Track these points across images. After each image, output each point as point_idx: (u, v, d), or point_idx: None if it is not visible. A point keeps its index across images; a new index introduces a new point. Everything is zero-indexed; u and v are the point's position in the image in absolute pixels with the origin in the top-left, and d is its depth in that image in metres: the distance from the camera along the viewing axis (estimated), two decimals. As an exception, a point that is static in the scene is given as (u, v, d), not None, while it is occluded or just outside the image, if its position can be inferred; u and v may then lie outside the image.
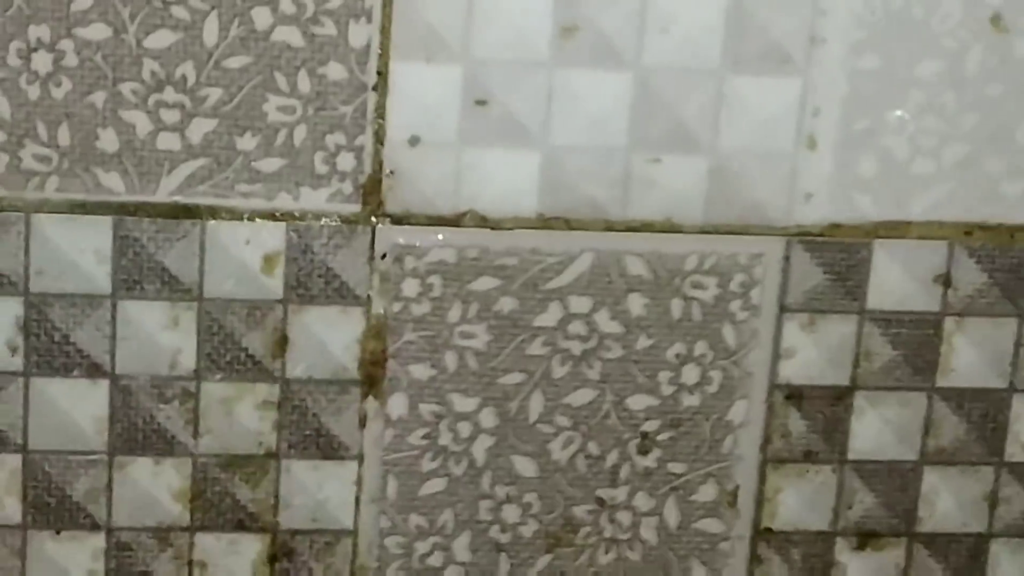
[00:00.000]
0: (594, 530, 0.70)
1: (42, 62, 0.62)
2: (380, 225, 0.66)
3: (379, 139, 0.65)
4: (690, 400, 0.69)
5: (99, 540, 0.68)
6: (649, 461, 0.70)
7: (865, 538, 0.72)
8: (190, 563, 0.68)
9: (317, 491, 0.68)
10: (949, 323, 0.70)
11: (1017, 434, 0.71)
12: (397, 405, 0.68)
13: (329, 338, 0.66)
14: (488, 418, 0.68)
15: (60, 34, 0.62)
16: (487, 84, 0.64)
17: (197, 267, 0.65)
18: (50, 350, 0.65)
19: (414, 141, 0.65)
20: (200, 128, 0.63)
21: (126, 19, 0.62)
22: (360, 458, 0.68)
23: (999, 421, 0.71)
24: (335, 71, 0.63)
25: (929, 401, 0.70)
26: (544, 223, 0.66)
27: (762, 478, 0.71)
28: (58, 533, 0.67)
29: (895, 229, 0.68)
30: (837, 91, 0.66)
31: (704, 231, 0.67)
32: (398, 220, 0.66)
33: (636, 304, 0.68)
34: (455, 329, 0.67)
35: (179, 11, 0.62)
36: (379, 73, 0.64)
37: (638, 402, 0.69)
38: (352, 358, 0.67)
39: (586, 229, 0.67)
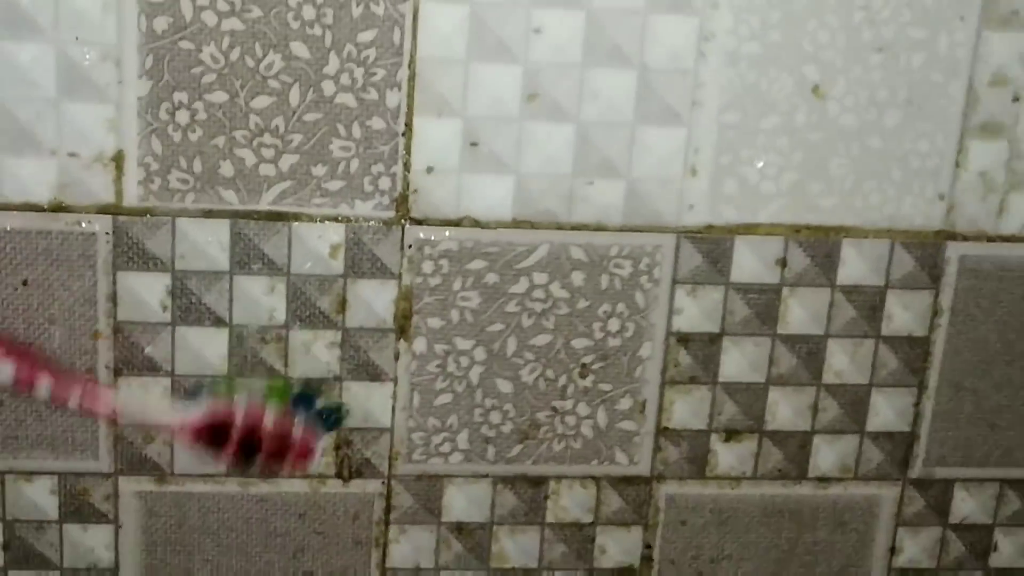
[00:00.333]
0: (550, 428, 0.70)
1: (182, 117, 0.62)
2: (407, 226, 0.66)
3: (407, 168, 0.65)
4: (614, 342, 0.69)
5: (222, 434, 0.68)
6: (587, 382, 0.70)
7: (730, 434, 0.72)
8: (282, 450, 0.69)
9: (366, 401, 0.68)
10: (785, 291, 0.70)
11: (831, 365, 0.71)
12: (419, 345, 0.68)
13: (374, 300, 0.67)
14: (479, 354, 0.68)
15: (194, 98, 0.62)
16: (478, 132, 0.65)
17: (286, 253, 0.65)
18: (188, 308, 0.65)
19: (430, 170, 0.65)
20: (288, 161, 0.64)
21: (238, 88, 0.63)
22: (395, 380, 0.68)
23: (818, 356, 0.71)
24: (377, 123, 0.64)
25: (772, 343, 0.70)
26: (516, 224, 0.67)
27: (662, 394, 0.70)
28: (194, 430, 0.68)
29: (749, 229, 0.68)
30: (710, 137, 0.66)
31: (622, 230, 0.67)
32: (419, 222, 0.66)
33: (578, 278, 0.68)
34: (457, 295, 0.67)
35: (273, 83, 0.63)
36: (406, 125, 0.64)
37: (579, 343, 0.69)
38: (389, 314, 0.67)
39: (544, 228, 0.67)
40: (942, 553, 0.76)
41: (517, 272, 0.67)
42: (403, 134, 0.64)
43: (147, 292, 0.65)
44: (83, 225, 0.64)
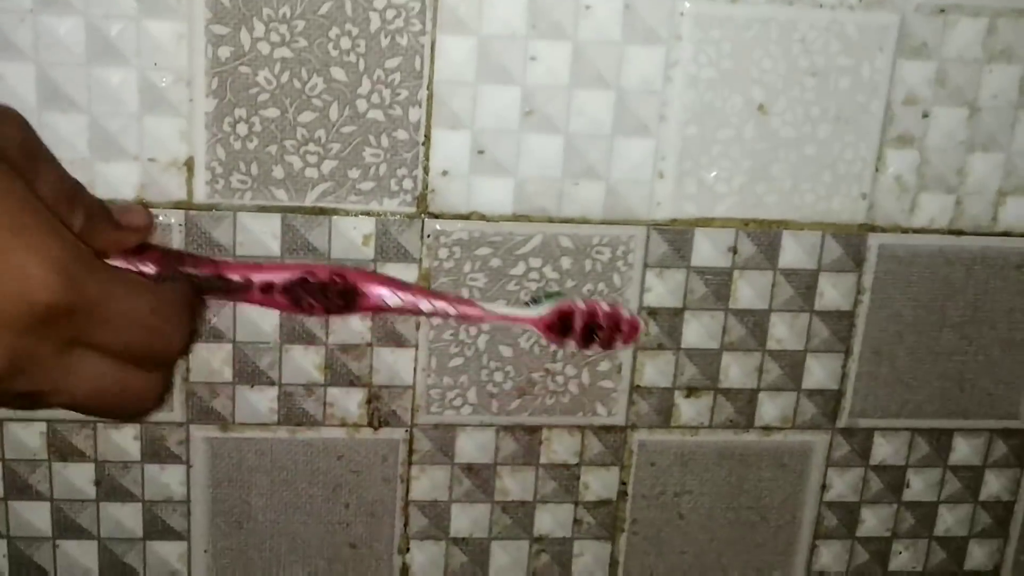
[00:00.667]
0: (543, 386, 0.71)
1: (242, 129, 0.63)
2: (426, 219, 0.66)
3: (426, 172, 0.65)
4: (595, 315, 0.70)
5: (274, 391, 0.68)
6: (573, 349, 0.70)
7: (690, 391, 0.72)
8: (324, 403, 0.69)
9: (393, 364, 0.69)
10: (736, 273, 0.70)
11: (773, 334, 0.71)
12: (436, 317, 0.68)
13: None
14: (485, 324, 0.69)
15: (251, 113, 0.63)
16: (484, 142, 0.65)
17: (327, 241, 0.65)
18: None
19: (445, 173, 0.65)
20: (328, 166, 0.64)
21: (287, 105, 0.63)
22: (416, 346, 0.68)
23: (762, 327, 0.71)
24: (401, 135, 0.64)
25: (725, 316, 0.71)
26: (515, 218, 0.67)
27: (635, 358, 0.71)
28: (252, 387, 0.68)
29: (706, 222, 0.68)
30: (674, 147, 0.66)
31: (603, 223, 0.67)
32: (436, 216, 0.66)
33: (566, 262, 0.68)
34: (467, 276, 0.67)
35: (316, 101, 0.63)
36: (426, 136, 0.64)
37: (567, 316, 0.70)
38: (411, 291, 0.68)
39: (538, 221, 0.67)
40: (864, 489, 0.77)
41: (516, 257, 0.67)
42: (423, 143, 0.64)
43: (213, 273, 0.65)
44: (160, 218, 0.64)
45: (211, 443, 0.69)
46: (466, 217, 0.66)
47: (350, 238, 0.66)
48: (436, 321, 0.68)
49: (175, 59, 0.61)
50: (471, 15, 0.62)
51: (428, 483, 0.72)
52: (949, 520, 0.79)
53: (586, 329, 0.40)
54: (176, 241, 0.64)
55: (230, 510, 0.70)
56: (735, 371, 0.72)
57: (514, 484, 0.72)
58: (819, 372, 0.73)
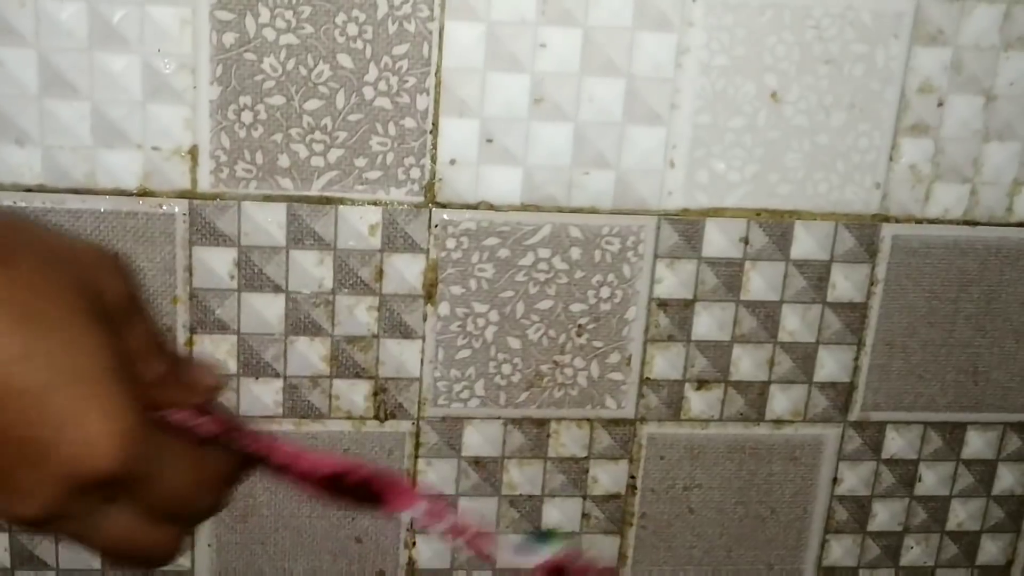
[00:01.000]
0: (552, 379, 0.70)
1: (247, 116, 0.62)
2: (434, 209, 0.65)
3: (433, 161, 0.64)
4: (605, 306, 0.69)
5: (280, 383, 0.67)
6: (582, 340, 0.69)
7: (701, 383, 0.72)
8: (330, 396, 0.68)
9: (399, 356, 0.68)
10: (747, 264, 0.69)
11: (784, 326, 0.71)
12: (443, 309, 0.67)
13: (406, 271, 0.66)
14: (493, 316, 0.68)
15: (256, 101, 0.62)
16: (492, 130, 0.64)
17: (333, 231, 0.65)
18: (251, 277, 0.65)
19: (452, 162, 0.65)
20: (335, 154, 0.64)
21: (293, 92, 0.62)
22: (423, 338, 0.68)
23: (774, 319, 0.71)
24: (409, 123, 0.64)
25: (736, 307, 0.70)
26: (524, 208, 0.66)
27: (644, 350, 0.70)
28: (257, 379, 0.67)
29: (718, 212, 0.68)
30: (686, 135, 0.66)
31: (613, 212, 0.67)
32: (444, 206, 0.65)
33: (575, 253, 0.67)
34: (475, 266, 0.67)
35: (322, 88, 0.62)
36: (433, 124, 0.64)
37: (576, 307, 0.69)
38: (418, 282, 0.67)
39: (547, 211, 0.66)
40: (875, 483, 0.76)
41: (525, 248, 0.67)
42: (430, 132, 0.64)
43: (217, 264, 0.65)
44: (164, 207, 0.63)
45: (215, 436, 0.68)
46: (474, 207, 0.66)
47: (356, 228, 0.65)
48: (443, 311, 0.67)
49: (179, 45, 0.60)
50: (480, 1, 0.62)
51: (435, 477, 0.71)
52: (962, 514, 0.78)
53: None
54: (180, 232, 0.64)
55: (235, 504, 0.70)
56: (746, 363, 0.71)
57: (522, 478, 0.72)
58: (831, 364, 0.72)
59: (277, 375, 0.67)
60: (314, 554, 0.72)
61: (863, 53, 0.66)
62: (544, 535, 0.42)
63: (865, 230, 0.69)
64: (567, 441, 0.71)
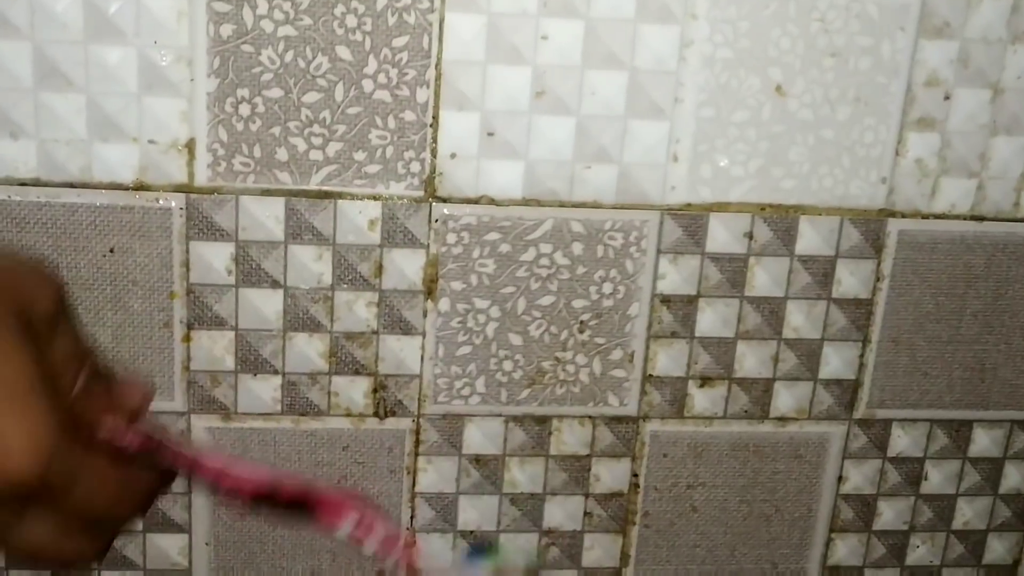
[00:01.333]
0: (554, 375, 0.70)
1: (244, 109, 0.62)
2: (434, 203, 0.65)
3: (434, 155, 0.64)
4: (607, 302, 0.68)
5: (278, 380, 0.67)
6: (585, 336, 0.69)
7: (704, 380, 0.71)
8: (329, 392, 0.68)
9: (399, 352, 0.68)
10: (751, 260, 0.69)
11: (789, 322, 0.70)
12: (444, 304, 0.67)
13: (406, 267, 0.66)
14: (494, 312, 0.68)
15: (254, 93, 0.62)
16: (494, 124, 0.64)
17: (332, 226, 0.64)
18: (249, 272, 0.65)
19: (453, 156, 0.64)
20: (333, 148, 0.63)
21: (291, 85, 0.62)
22: (423, 334, 0.67)
23: (779, 315, 0.70)
24: (409, 116, 0.63)
25: (740, 304, 0.70)
26: (525, 202, 0.66)
27: (647, 347, 0.70)
28: (255, 376, 0.67)
29: (721, 207, 0.67)
30: (689, 129, 0.65)
31: (615, 207, 0.66)
32: (444, 200, 0.65)
33: (577, 248, 0.67)
34: (476, 261, 0.66)
35: (321, 81, 0.62)
36: (434, 117, 0.63)
37: (578, 303, 0.68)
38: (418, 278, 0.66)
39: (549, 206, 0.66)
40: (881, 481, 0.76)
41: (526, 243, 0.66)
42: (431, 125, 0.63)
43: (215, 259, 0.64)
44: (160, 202, 0.63)
45: (213, 433, 0.68)
46: (475, 201, 0.65)
47: (356, 223, 0.65)
48: (443, 307, 0.67)
49: (176, 37, 0.60)
50: (481, -8, 0.61)
51: (435, 475, 0.71)
52: (968, 513, 0.78)
53: None
54: (177, 226, 0.63)
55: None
56: (750, 360, 0.71)
57: (523, 476, 0.71)
58: (836, 361, 0.72)
59: (275, 372, 0.67)
60: (313, 553, 0.71)
61: (869, 46, 0.65)
62: (484, 548, 0.41)
63: (871, 225, 0.69)
64: (569, 439, 0.71)
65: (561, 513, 0.72)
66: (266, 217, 0.64)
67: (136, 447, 0.33)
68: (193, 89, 0.61)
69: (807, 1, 0.64)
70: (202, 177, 0.62)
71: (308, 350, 0.66)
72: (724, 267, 0.68)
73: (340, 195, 0.64)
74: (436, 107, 0.63)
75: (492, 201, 0.65)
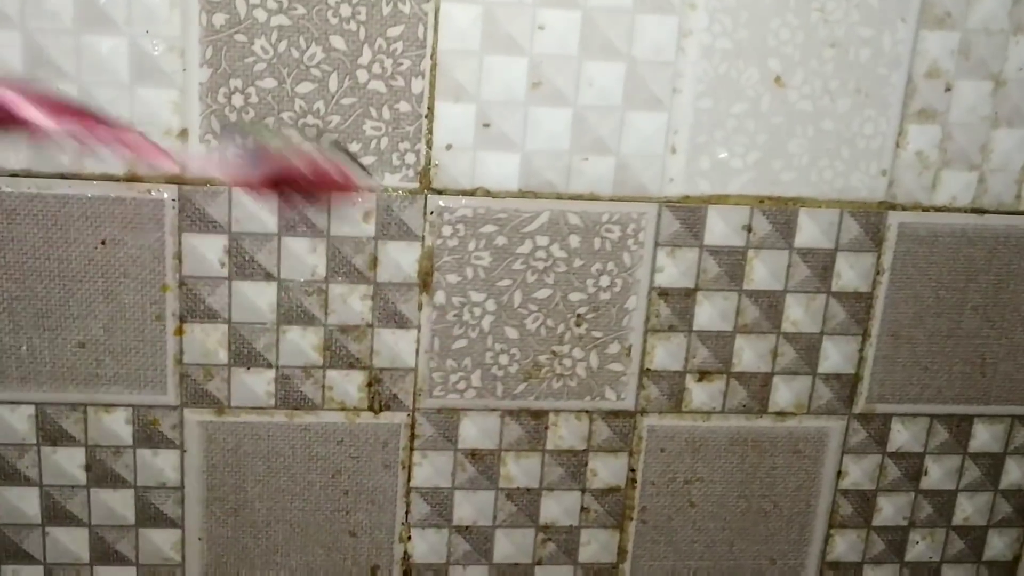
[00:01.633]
0: (550, 369, 0.69)
1: (237, 100, 0.61)
2: (429, 195, 0.64)
3: (429, 146, 0.63)
4: (604, 295, 0.68)
5: (271, 373, 0.66)
6: (582, 330, 0.69)
7: (702, 374, 0.71)
8: (323, 386, 0.67)
9: (394, 346, 0.67)
10: (750, 253, 0.68)
11: (788, 316, 0.70)
12: (439, 297, 0.66)
13: (401, 259, 0.65)
14: (490, 305, 0.67)
15: (247, 84, 0.61)
16: (489, 115, 0.63)
17: (327, 218, 0.64)
18: (242, 264, 0.64)
19: (449, 147, 0.64)
20: (327, 139, 0.63)
21: (285, 75, 0.61)
22: (418, 328, 0.67)
23: (778, 308, 0.70)
24: (404, 107, 0.63)
25: (738, 297, 0.69)
26: (522, 194, 0.65)
27: (645, 340, 0.69)
28: (248, 369, 0.66)
29: (720, 199, 0.67)
30: (687, 120, 0.65)
31: (612, 199, 0.66)
32: (439, 192, 0.64)
33: (574, 240, 0.67)
34: (472, 254, 0.66)
35: (315, 71, 0.61)
36: (429, 108, 0.63)
37: (575, 296, 0.68)
38: (414, 270, 0.66)
39: (546, 198, 0.65)
40: (880, 477, 0.75)
41: (523, 235, 0.66)
42: (426, 116, 0.63)
43: (208, 251, 0.64)
44: (153, 193, 0.62)
45: (206, 427, 0.67)
46: (471, 193, 0.65)
47: (350, 214, 0.64)
48: (439, 300, 0.66)
49: (168, 27, 0.59)
50: (476, -19, 0.61)
51: (430, 469, 0.70)
52: (968, 509, 0.77)
53: (295, 185, 0.36)
54: (169, 218, 0.63)
55: (225, 497, 0.69)
56: (749, 354, 0.70)
57: (519, 470, 0.71)
58: (835, 355, 0.71)
59: (269, 365, 0.66)
60: (307, 548, 0.71)
61: (869, 37, 0.65)
62: (244, 125, 0.38)
63: (871, 218, 0.68)
64: (566, 433, 0.70)
65: (558, 508, 0.72)
66: (259, 209, 0.63)
67: None
68: (185, 79, 0.60)
69: (807, -9, 0.63)
70: (195, 168, 0.62)
71: (302, 343, 0.66)
72: (722, 260, 0.68)
73: (334, 187, 0.63)
74: (431, 98, 0.62)
75: (488, 193, 0.65)
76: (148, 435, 0.67)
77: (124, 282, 0.64)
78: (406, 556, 0.72)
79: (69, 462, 0.67)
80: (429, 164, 0.64)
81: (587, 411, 0.70)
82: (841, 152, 0.67)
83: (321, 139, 0.54)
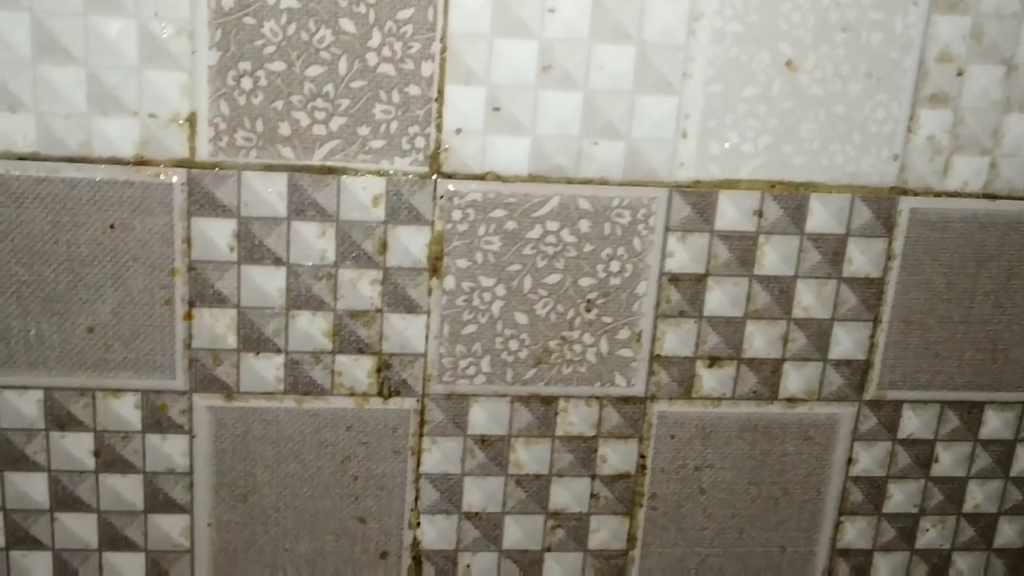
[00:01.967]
0: (560, 355, 0.69)
1: (246, 83, 0.61)
2: (439, 179, 0.64)
3: (439, 130, 0.63)
4: (614, 281, 0.68)
5: (280, 359, 0.66)
6: (591, 316, 0.68)
7: (712, 360, 0.70)
8: (332, 372, 0.67)
9: (403, 331, 0.67)
10: (761, 238, 0.68)
11: (799, 302, 0.70)
12: (449, 282, 0.66)
13: (410, 244, 0.65)
14: (500, 290, 0.67)
15: (256, 66, 0.61)
16: (500, 98, 0.63)
17: (335, 202, 0.64)
18: (252, 249, 0.64)
19: (458, 131, 0.63)
20: (337, 122, 0.62)
21: (294, 58, 0.61)
22: (428, 313, 0.67)
23: (789, 294, 0.69)
24: (414, 90, 0.62)
25: (749, 282, 0.69)
26: (532, 179, 0.65)
27: (655, 326, 0.69)
28: (257, 354, 0.66)
29: (731, 184, 0.67)
30: (698, 104, 0.65)
31: (623, 184, 0.66)
32: (449, 176, 0.64)
33: (584, 225, 0.66)
34: (481, 239, 0.66)
35: (324, 54, 0.61)
36: (439, 92, 0.62)
37: (585, 282, 0.68)
38: (423, 255, 0.66)
39: (556, 182, 0.65)
40: (891, 464, 0.75)
41: (533, 220, 0.66)
42: (436, 100, 0.62)
43: (217, 235, 0.63)
44: (161, 177, 0.62)
45: (215, 413, 0.67)
46: (481, 177, 0.64)
47: (359, 198, 0.64)
48: (448, 285, 0.66)
49: (177, 9, 0.59)
50: (487, -36, 0.61)
51: (440, 455, 0.70)
52: (979, 496, 0.77)
53: None
54: (178, 202, 0.62)
55: (234, 482, 0.69)
56: (759, 340, 0.70)
57: (529, 457, 0.71)
58: (846, 341, 0.71)
59: (278, 350, 0.66)
60: (316, 534, 0.71)
61: (881, 20, 0.64)
62: None
63: (882, 203, 0.68)
64: (575, 419, 0.70)
65: (567, 495, 0.72)
66: (268, 193, 0.63)
67: None
68: (194, 62, 0.60)
69: (819, -26, 0.63)
70: (203, 152, 0.62)
71: (311, 328, 0.66)
72: (733, 245, 0.68)
73: (344, 171, 0.63)
74: (441, 81, 0.62)
75: (498, 177, 0.64)
76: (157, 420, 0.67)
77: (133, 266, 0.63)
78: (415, 542, 0.72)
79: (77, 447, 0.67)
80: (439, 148, 0.63)
81: (597, 397, 0.70)
82: (852, 137, 0.66)
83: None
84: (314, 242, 0.64)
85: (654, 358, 0.69)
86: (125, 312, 0.64)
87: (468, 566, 0.72)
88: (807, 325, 0.70)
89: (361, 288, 0.65)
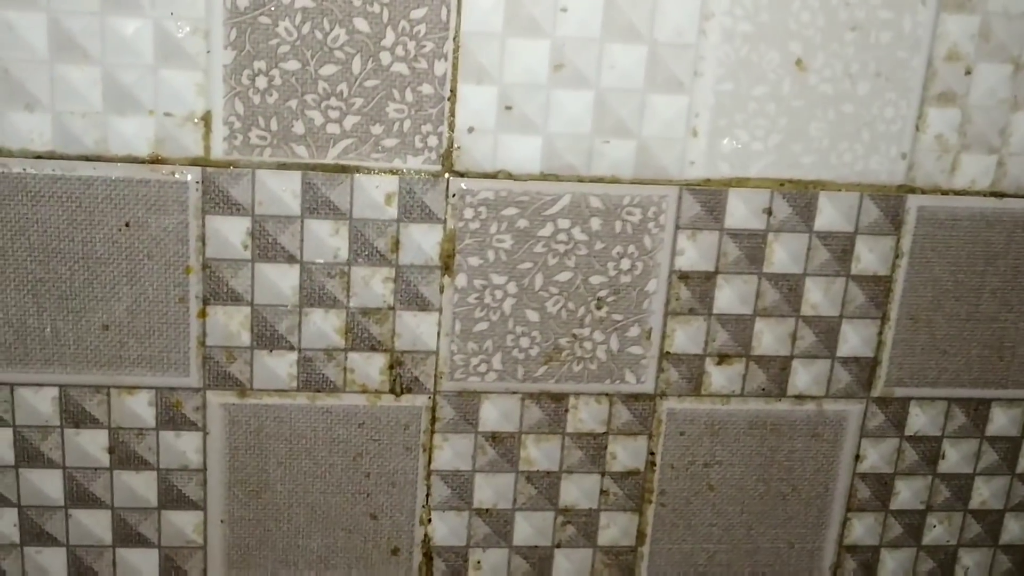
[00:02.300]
0: (571, 352, 0.69)
1: (261, 82, 0.62)
2: (451, 178, 0.65)
3: (451, 128, 0.64)
4: (625, 279, 0.68)
5: (294, 356, 0.67)
6: (602, 313, 0.69)
7: (722, 358, 0.71)
8: (345, 369, 0.67)
9: (416, 328, 0.67)
10: (770, 236, 0.68)
11: (808, 299, 0.70)
12: (461, 280, 0.67)
13: (422, 242, 0.66)
14: (511, 288, 0.67)
15: (271, 65, 0.61)
16: (512, 97, 0.63)
17: (349, 200, 0.64)
18: (266, 247, 0.64)
19: (471, 130, 0.64)
20: (350, 121, 0.63)
21: (309, 57, 0.62)
22: (440, 310, 0.67)
23: (797, 292, 0.70)
24: (427, 89, 0.63)
25: (758, 280, 0.69)
26: (543, 177, 0.65)
27: (665, 323, 0.69)
28: (270, 352, 0.66)
29: (741, 182, 0.67)
30: (708, 103, 0.65)
31: (633, 182, 0.66)
32: (461, 175, 0.65)
33: (595, 223, 0.67)
34: (493, 237, 0.66)
35: (338, 53, 0.61)
36: (451, 91, 0.63)
37: (596, 279, 0.68)
38: (436, 253, 0.66)
39: (567, 180, 0.65)
40: (898, 460, 0.75)
41: (544, 218, 0.66)
42: (448, 99, 0.63)
43: (231, 233, 0.64)
44: (176, 175, 0.62)
45: (228, 410, 0.67)
46: (493, 176, 0.65)
47: (373, 197, 0.64)
48: (460, 283, 0.66)
49: (192, 8, 0.59)
50: (499, -37, 0.61)
51: (451, 452, 0.70)
52: (985, 493, 0.77)
53: None
54: (193, 200, 0.63)
55: (247, 479, 0.69)
56: (768, 338, 0.70)
57: (539, 453, 0.71)
58: (854, 339, 0.71)
59: (291, 348, 0.66)
60: (328, 530, 0.71)
61: (890, 20, 0.65)
62: None
63: (890, 201, 0.68)
64: (585, 416, 0.71)
65: (577, 491, 0.72)
66: (283, 191, 0.63)
67: None
68: (209, 61, 0.60)
69: (828, -27, 0.63)
70: (218, 150, 0.62)
71: (324, 326, 0.66)
72: (743, 243, 0.68)
73: (357, 169, 0.63)
74: (454, 80, 0.62)
75: (510, 176, 0.65)
76: (171, 417, 0.67)
77: (148, 264, 0.64)
78: (426, 538, 0.72)
79: (92, 444, 0.67)
80: (451, 147, 0.64)
81: (607, 394, 0.70)
82: (861, 135, 0.67)
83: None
84: (327, 240, 0.64)
85: (664, 355, 0.70)
86: (140, 310, 0.65)
87: (479, 562, 0.73)
88: (815, 322, 0.70)
89: (374, 286, 0.66)
